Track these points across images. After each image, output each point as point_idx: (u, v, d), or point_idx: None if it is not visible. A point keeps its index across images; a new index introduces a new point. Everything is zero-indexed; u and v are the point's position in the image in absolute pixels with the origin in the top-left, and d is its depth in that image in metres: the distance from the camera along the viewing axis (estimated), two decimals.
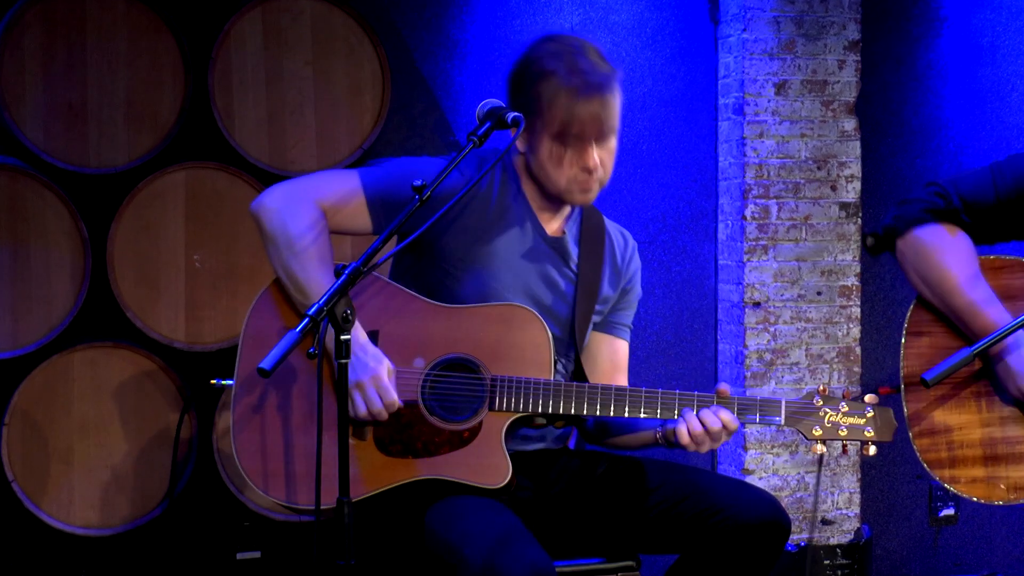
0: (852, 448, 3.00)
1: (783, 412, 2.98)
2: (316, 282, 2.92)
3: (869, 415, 2.99)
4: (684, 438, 2.92)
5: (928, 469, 3.07)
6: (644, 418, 2.99)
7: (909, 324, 3.13)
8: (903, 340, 3.12)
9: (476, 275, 3.04)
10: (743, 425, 4.83)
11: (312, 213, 2.97)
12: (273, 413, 2.95)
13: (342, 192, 3.01)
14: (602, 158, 3.01)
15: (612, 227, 3.25)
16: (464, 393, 2.96)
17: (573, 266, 3.14)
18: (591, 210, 3.20)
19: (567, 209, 3.15)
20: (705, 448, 2.94)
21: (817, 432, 2.98)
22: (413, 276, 3.07)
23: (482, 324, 2.98)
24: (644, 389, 2.97)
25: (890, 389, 3.16)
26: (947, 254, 3.08)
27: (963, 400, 3.08)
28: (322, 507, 2.65)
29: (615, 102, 3.00)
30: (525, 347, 2.97)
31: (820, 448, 2.99)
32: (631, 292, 3.26)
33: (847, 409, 2.99)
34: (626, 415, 2.97)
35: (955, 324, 3.08)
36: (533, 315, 2.98)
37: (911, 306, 3.14)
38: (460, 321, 2.98)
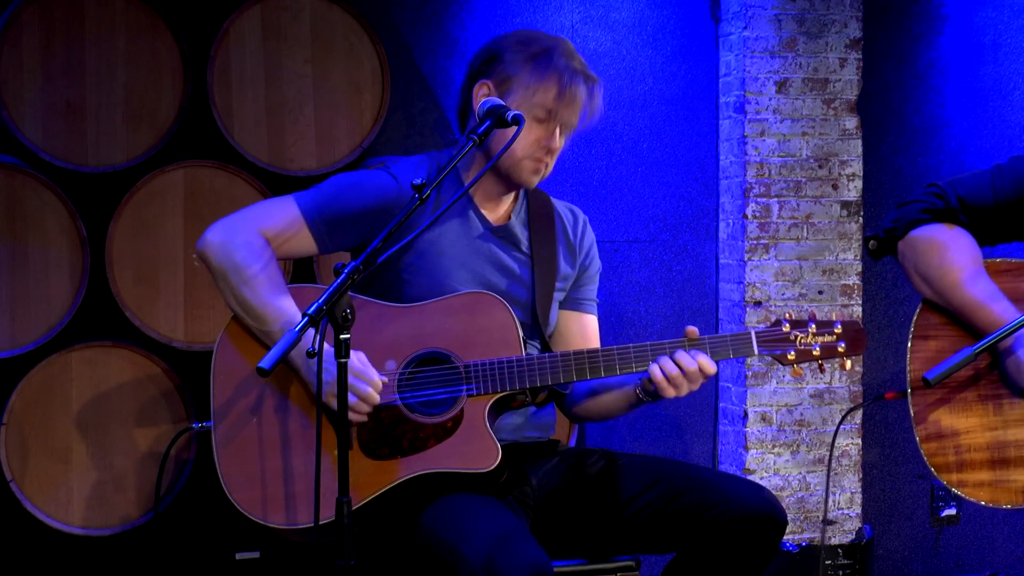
0: (829, 367, 2.99)
1: (755, 343, 2.99)
2: (271, 307, 2.95)
3: (838, 331, 3.01)
4: (661, 381, 2.93)
5: (935, 473, 3.06)
6: (622, 375, 3.01)
7: (916, 328, 3.12)
8: (910, 344, 3.10)
9: (429, 275, 3.06)
10: (745, 417, 4.84)
11: (257, 241, 3.00)
12: (256, 441, 2.96)
13: (282, 219, 3.05)
14: (556, 148, 3.07)
15: (560, 205, 3.27)
16: (441, 385, 2.97)
17: (525, 249, 3.16)
18: (536, 192, 3.22)
19: (511, 196, 3.17)
20: (684, 390, 2.95)
21: (792, 356, 2.99)
22: (367, 287, 3.08)
23: (445, 316, 3.00)
24: (616, 347, 2.99)
25: (897, 394, 3.15)
26: (947, 251, 3.08)
27: (970, 403, 3.07)
28: (322, 521, 2.65)
29: (596, 102, 3.07)
30: (492, 330, 2.99)
31: (799, 371, 3.01)
32: (591, 266, 3.28)
33: (816, 329, 3.00)
34: (603, 375, 2.99)
35: (963, 327, 3.07)
36: (494, 298, 3.01)
37: (917, 309, 3.13)
38: (424, 317, 3.00)
